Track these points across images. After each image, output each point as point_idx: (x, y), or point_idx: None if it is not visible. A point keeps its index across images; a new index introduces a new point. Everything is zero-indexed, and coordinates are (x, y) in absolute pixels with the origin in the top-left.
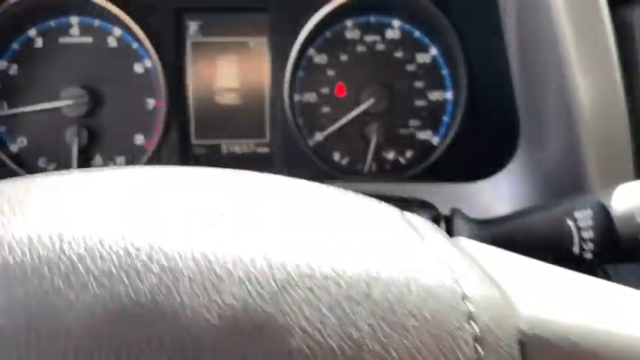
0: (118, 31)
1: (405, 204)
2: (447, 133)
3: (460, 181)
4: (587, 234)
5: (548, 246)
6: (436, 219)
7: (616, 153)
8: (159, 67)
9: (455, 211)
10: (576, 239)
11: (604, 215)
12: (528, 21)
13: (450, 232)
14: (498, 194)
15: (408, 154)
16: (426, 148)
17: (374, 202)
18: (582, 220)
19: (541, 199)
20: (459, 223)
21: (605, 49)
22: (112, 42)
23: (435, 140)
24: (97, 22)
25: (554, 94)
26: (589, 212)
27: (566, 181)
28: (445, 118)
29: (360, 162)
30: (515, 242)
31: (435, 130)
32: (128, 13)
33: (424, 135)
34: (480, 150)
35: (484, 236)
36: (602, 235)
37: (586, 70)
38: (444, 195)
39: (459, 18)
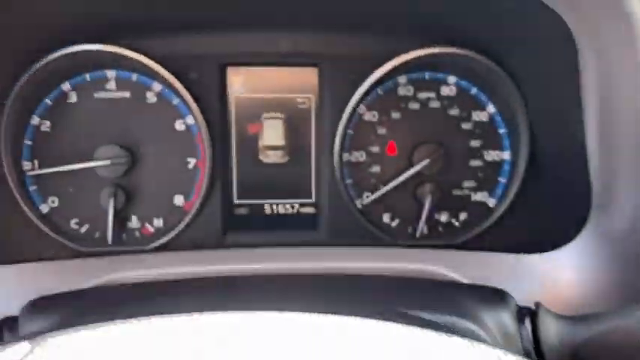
0: (157, 86)
1: (481, 293)
2: (504, 195)
3: (520, 252)
4: None
5: None
6: (520, 314)
7: None
8: (202, 124)
9: (539, 306)
10: None
11: None
12: (612, 86)
13: (536, 329)
14: (563, 270)
15: (462, 216)
16: (482, 210)
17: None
18: None
19: (614, 278)
20: (546, 321)
21: None
22: (151, 97)
23: (492, 202)
24: (135, 77)
25: (634, 157)
26: None
27: None
28: (502, 180)
29: (410, 224)
30: (615, 349)
31: (491, 191)
32: (168, 67)
33: (480, 197)
34: (542, 217)
35: (575, 337)
36: None
37: None
38: (503, 267)
39: (521, 75)
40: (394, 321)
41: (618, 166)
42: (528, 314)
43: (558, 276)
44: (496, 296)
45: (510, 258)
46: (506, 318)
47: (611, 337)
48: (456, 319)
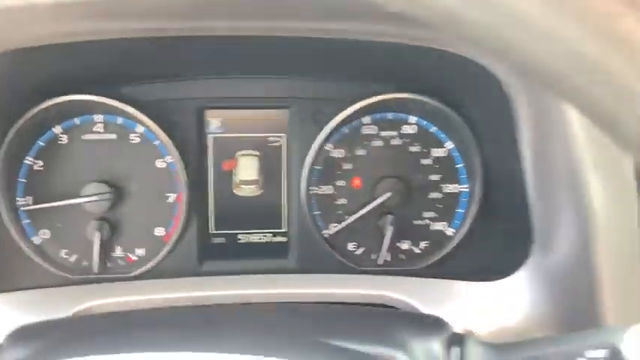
0: (140, 128)
1: (416, 320)
2: (461, 225)
3: (471, 280)
4: None
5: None
6: (450, 341)
7: (631, 268)
8: (179, 163)
9: (468, 333)
10: None
11: (617, 355)
12: (543, 129)
13: (463, 355)
14: (507, 299)
15: (423, 245)
16: (441, 239)
17: None
18: None
19: (552, 309)
20: (471, 348)
21: (620, 155)
22: (134, 138)
23: (450, 231)
24: (120, 120)
25: (568, 202)
26: (602, 353)
27: (579, 295)
28: (460, 210)
29: (374, 253)
30: None
31: (449, 221)
32: (149, 112)
33: (439, 226)
34: (492, 248)
35: None
36: None
37: (601, 179)
38: (454, 293)
39: (473, 117)
40: (316, 351)
41: (556, 213)
42: (458, 341)
43: (500, 304)
44: (430, 324)
45: (463, 285)
46: (436, 345)
47: None
48: (381, 347)
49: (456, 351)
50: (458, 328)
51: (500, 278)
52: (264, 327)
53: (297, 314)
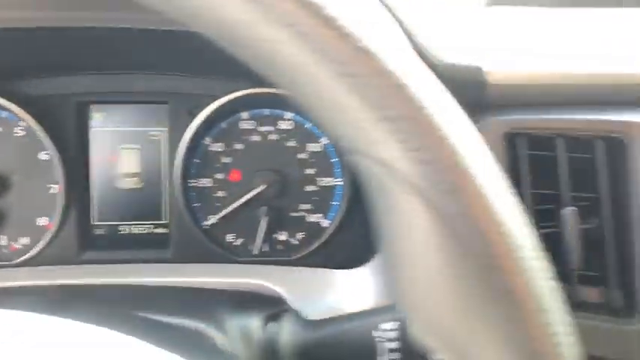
0: (23, 123)
1: (241, 298)
2: (336, 217)
3: (341, 268)
4: (393, 344)
5: (358, 355)
6: (268, 318)
7: None
8: (55, 157)
9: (289, 311)
10: (382, 350)
11: (406, 328)
12: None
13: (279, 330)
14: (362, 286)
15: (299, 236)
16: (317, 230)
17: None
18: (388, 332)
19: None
20: (286, 323)
21: None
22: (19, 132)
23: (326, 223)
24: (5, 114)
25: None
26: (394, 325)
27: None
28: (335, 203)
29: (252, 243)
30: (330, 349)
31: (325, 213)
32: (29, 108)
33: (314, 218)
34: (360, 238)
35: (306, 338)
36: (405, 347)
37: None
38: (322, 281)
39: None
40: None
41: None
42: (276, 318)
43: (354, 292)
44: (251, 302)
45: (330, 273)
46: (254, 321)
47: (329, 341)
48: (193, 321)
49: (272, 326)
50: (287, 306)
51: (353, 267)
52: (96, 302)
53: (129, 293)
